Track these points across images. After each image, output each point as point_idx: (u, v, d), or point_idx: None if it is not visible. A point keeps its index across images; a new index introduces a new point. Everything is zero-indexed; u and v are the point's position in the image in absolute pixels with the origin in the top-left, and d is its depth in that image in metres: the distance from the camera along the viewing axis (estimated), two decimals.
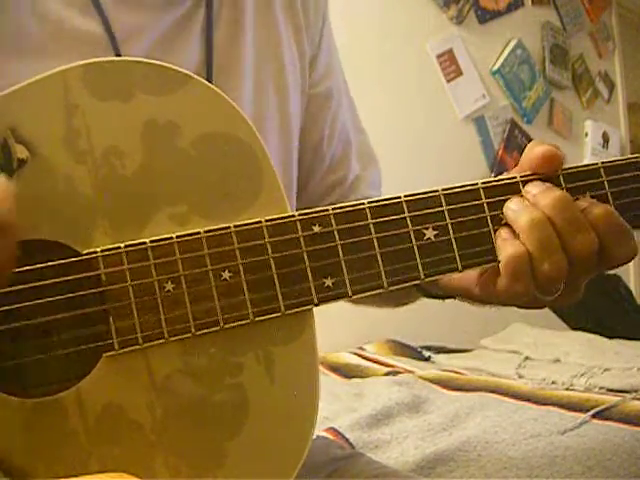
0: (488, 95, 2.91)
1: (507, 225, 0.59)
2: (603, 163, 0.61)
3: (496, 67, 2.97)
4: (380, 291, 0.58)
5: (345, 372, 1.83)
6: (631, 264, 3.29)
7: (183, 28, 0.72)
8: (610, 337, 2.04)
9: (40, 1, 0.66)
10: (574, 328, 2.30)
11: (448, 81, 2.81)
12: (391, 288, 0.58)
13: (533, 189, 0.59)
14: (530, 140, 2.90)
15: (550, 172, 0.60)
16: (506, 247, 0.58)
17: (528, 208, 0.58)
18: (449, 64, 2.82)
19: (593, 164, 0.61)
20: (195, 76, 0.58)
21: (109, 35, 0.67)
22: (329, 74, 0.86)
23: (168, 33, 0.71)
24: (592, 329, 2.15)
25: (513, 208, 0.59)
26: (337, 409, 1.47)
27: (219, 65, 0.72)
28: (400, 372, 1.77)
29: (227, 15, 0.75)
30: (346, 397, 1.57)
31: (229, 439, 0.55)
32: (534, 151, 0.60)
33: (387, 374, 1.76)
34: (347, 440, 1.27)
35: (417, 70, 2.73)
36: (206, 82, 0.58)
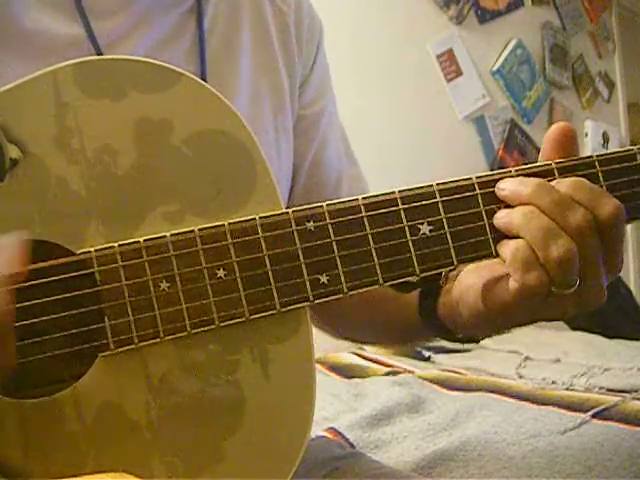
0: (488, 95, 2.91)
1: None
2: (597, 156, 0.61)
3: (496, 67, 2.97)
4: (375, 287, 0.58)
5: (345, 372, 1.82)
6: (631, 264, 3.28)
7: (174, 39, 0.72)
8: (610, 337, 2.04)
9: (22, 10, 0.66)
10: (574, 328, 2.29)
11: (448, 81, 2.81)
12: (386, 284, 0.58)
13: (508, 186, 0.59)
14: (530, 140, 2.90)
15: (569, 145, 0.61)
16: (508, 244, 0.58)
17: (515, 209, 0.58)
18: (449, 64, 2.82)
19: (588, 157, 0.61)
20: (187, 73, 0.57)
21: (93, 43, 0.66)
22: (319, 99, 0.86)
23: (157, 44, 0.71)
24: (592, 329, 2.15)
25: (501, 216, 0.59)
26: (337, 409, 1.47)
27: (212, 79, 0.72)
28: (400, 372, 1.77)
29: (222, 30, 0.76)
30: (346, 397, 1.57)
31: (226, 437, 0.55)
32: (549, 134, 0.61)
33: (387, 374, 1.76)
34: (347, 440, 1.27)
35: (417, 70, 2.73)
36: (198, 79, 0.58)
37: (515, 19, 3.06)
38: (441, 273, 0.68)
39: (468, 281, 0.64)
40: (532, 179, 0.59)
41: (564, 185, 0.58)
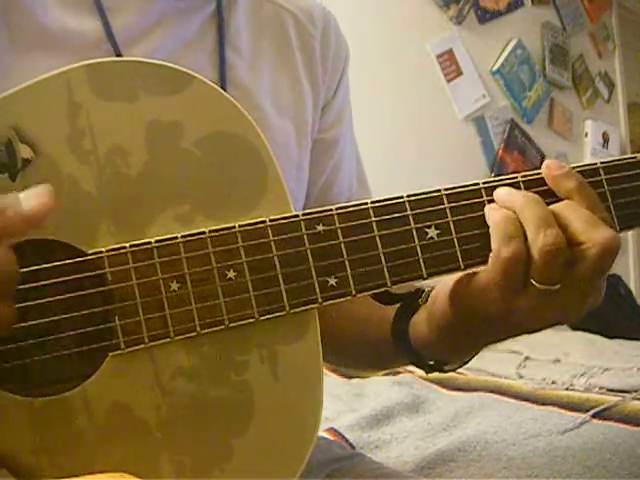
0: (488, 95, 2.91)
1: None
2: (602, 162, 0.62)
3: (496, 67, 2.97)
4: (383, 289, 0.59)
5: (345, 372, 1.83)
6: (631, 264, 3.29)
7: (194, 45, 0.72)
8: (610, 337, 2.04)
9: (41, 7, 0.66)
10: (574, 328, 2.30)
11: (448, 81, 2.81)
12: (394, 286, 0.59)
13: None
14: (530, 140, 2.91)
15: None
16: (498, 211, 0.59)
17: (518, 192, 0.59)
18: (449, 64, 2.82)
19: (592, 163, 0.62)
20: (199, 76, 0.58)
21: (111, 41, 0.67)
22: (338, 124, 0.85)
23: (177, 48, 0.71)
24: (592, 329, 2.15)
25: (504, 192, 0.60)
26: (337, 409, 1.47)
27: (232, 89, 0.72)
28: (400, 372, 1.77)
29: (244, 45, 0.76)
30: (346, 397, 1.57)
31: (234, 437, 0.56)
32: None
33: (387, 374, 1.76)
34: (347, 440, 1.27)
35: (417, 70, 2.74)
36: (210, 82, 0.58)
37: (515, 19, 3.06)
38: (423, 291, 0.69)
39: (446, 281, 0.64)
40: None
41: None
